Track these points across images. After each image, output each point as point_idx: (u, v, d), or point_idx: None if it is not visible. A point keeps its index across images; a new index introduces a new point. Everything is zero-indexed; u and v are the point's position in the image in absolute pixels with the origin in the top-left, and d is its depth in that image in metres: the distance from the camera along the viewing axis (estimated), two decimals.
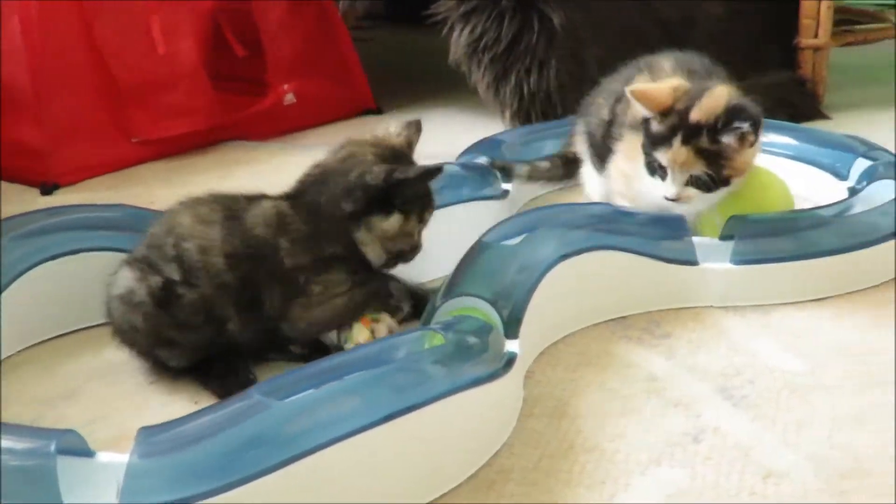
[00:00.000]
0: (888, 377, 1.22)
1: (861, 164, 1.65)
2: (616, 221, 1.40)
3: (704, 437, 1.12)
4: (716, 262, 1.39)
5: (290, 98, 2.25)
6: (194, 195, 1.33)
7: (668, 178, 1.37)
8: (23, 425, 1.02)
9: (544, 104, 2.00)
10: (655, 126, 1.38)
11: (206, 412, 1.01)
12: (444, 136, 2.21)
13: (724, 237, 1.41)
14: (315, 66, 2.32)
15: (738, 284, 1.39)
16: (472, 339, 1.14)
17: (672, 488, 1.04)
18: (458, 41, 2.03)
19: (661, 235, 1.39)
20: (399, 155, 1.33)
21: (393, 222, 1.29)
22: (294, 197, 1.32)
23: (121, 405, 1.23)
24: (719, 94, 1.40)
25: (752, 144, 1.38)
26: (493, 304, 1.21)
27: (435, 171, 1.29)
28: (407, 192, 1.29)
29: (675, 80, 1.43)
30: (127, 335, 1.28)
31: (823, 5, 2.26)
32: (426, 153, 2.00)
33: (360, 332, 1.29)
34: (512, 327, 1.20)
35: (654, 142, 1.38)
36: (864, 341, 1.30)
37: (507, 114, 2.04)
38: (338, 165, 1.31)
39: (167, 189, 1.92)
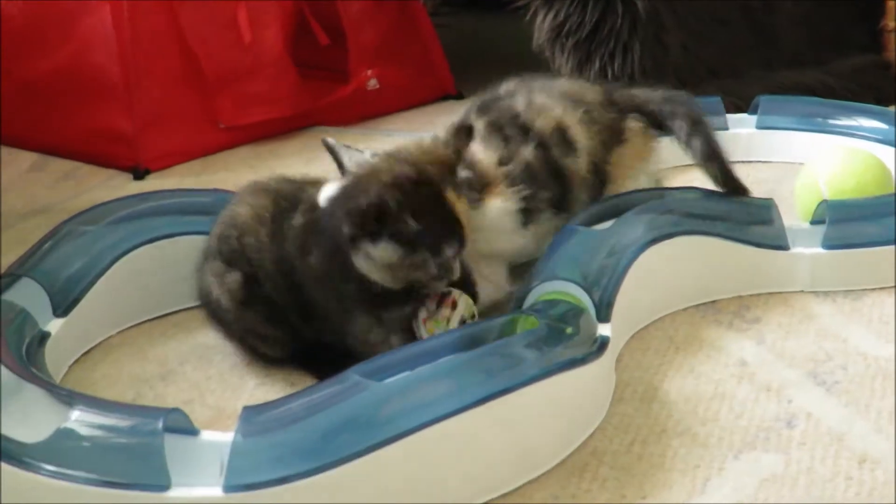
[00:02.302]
0: None
1: None
2: (705, 206, 1.39)
3: (797, 422, 1.12)
4: (806, 247, 1.38)
5: (373, 83, 2.26)
6: (258, 180, 1.31)
7: None
8: (128, 403, 1.05)
9: None
10: None
11: (307, 392, 1.03)
12: None
13: (814, 222, 1.41)
14: (397, 52, 2.33)
15: (828, 269, 1.38)
16: (564, 323, 1.15)
17: (766, 472, 1.04)
18: (542, 26, 2.03)
19: (751, 220, 1.39)
20: (430, 176, 1.17)
21: (383, 252, 1.14)
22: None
23: (216, 386, 1.25)
24: None
25: None
26: (585, 287, 1.22)
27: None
28: (401, 224, 1.13)
29: None
30: (219, 327, 1.31)
31: None
32: None
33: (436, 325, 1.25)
34: (603, 311, 1.20)
35: None
36: None
37: None
38: (354, 182, 1.18)
39: (253, 174, 1.91)
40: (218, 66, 2.05)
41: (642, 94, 1.49)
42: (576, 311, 1.17)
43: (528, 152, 1.35)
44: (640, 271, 1.28)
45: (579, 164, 1.38)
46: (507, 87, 1.45)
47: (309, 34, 2.25)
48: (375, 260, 1.15)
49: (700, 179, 1.48)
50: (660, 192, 1.42)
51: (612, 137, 1.42)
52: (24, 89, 2.08)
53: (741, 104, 1.92)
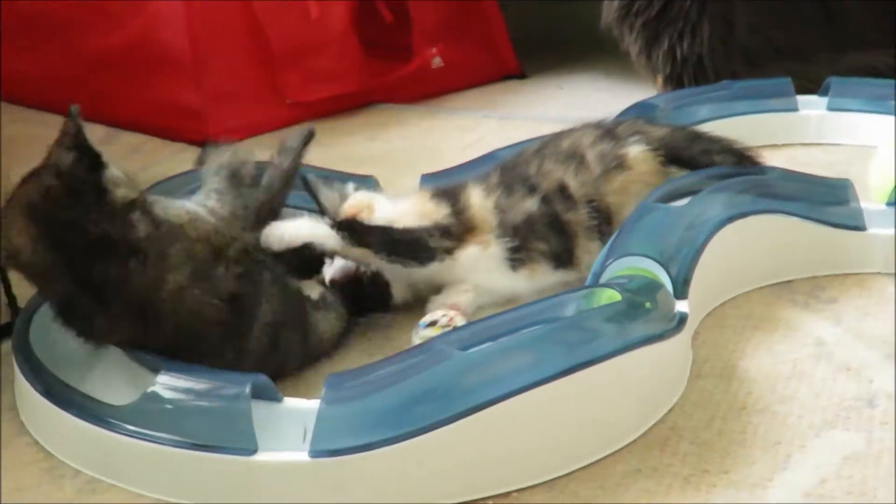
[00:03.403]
0: None
1: None
2: (782, 185, 1.38)
3: (878, 401, 1.11)
4: (883, 228, 1.37)
5: (437, 62, 2.26)
6: None
7: None
8: (213, 369, 1.06)
9: (696, 69, 1.98)
10: None
11: (391, 361, 1.04)
12: (588, 102, 2.21)
13: (890, 203, 1.39)
14: (460, 30, 2.33)
15: None
16: (641, 298, 1.14)
17: (848, 450, 1.03)
18: (610, 5, 2.02)
19: (828, 200, 1.38)
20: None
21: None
22: None
23: None
24: None
25: None
26: (662, 263, 1.21)
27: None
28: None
29: None
30: None
31: None
32: (572, 118, 2.00)
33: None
34: (680, 287, 1.20)
35: None
36: None
37: (660, 79, 2.03)
38: None
39: (320, 149, 1.93)
40: (285, 41, 2.05)
41: (655, 129, 1.48)
42: (653, 286, 1.17)
43: (531, 203, 1.37)
44: (716, 249, 1.27)
45: (580, 214, 1.37)
46: (526, 152, 1.46)
47: (372, 11, 2.24)
48: None
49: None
50: (736, 170, 1.41)
51: (607, 167, 1.40)
52: (94, 63, 2.09)
53: (809, 86, 1.90)
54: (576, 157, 1.41)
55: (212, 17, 1.99)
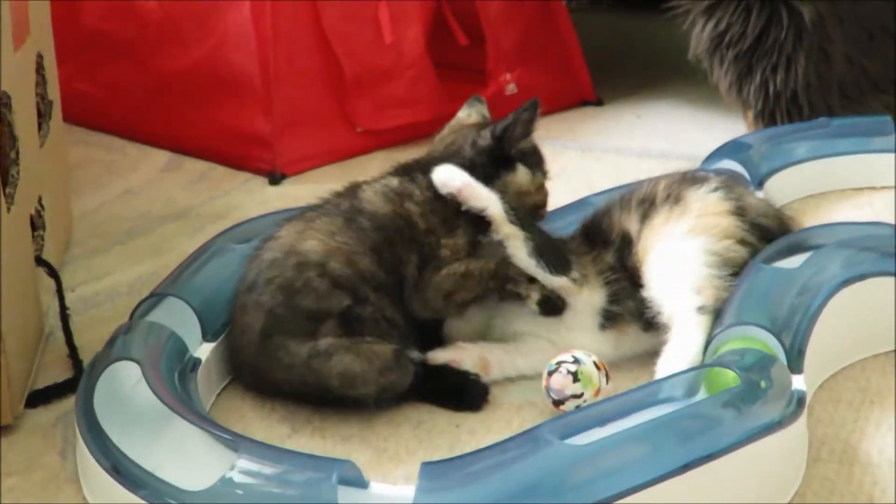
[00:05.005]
0: None
1: None
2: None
3: None
4: None
5: (511, 88, 2.17)
6: (292, 217, 1.27)
7: None
8: (295, 451, 0.98)
9: (790, 105, 1.88)
10: None
11: (491, 450, 0.95)
12: (670, 133, 2.12)
13: None
14: (536, 55, 2.24)
15: None
16: (757, 376, 1.05)
17: None
18: (701, 36, 1.92)
19: None
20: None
21: (522, 175, 1.31)
22: (406, 172, 1.32)
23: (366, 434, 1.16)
24: None
25: None
26: (774, 332, 1.12)
27: (530, 107, 1.30)
28: (516, 145, 1.31)
29: None
30: None
31: None
32: (655, 150, 1.90)
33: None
34: (795, 360, 1.11)
35: None
36: None
37: (751, 115, 1.93)
38: (447, 149, 1.34)
39: None
40: (358, 66, 1.97)
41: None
42: (767, 361, 1.08)
43: (609, 256, 1.30)
44: (831, 314, 1.18)
45: (638, 254, 1.28)
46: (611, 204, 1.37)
47: (447, 34, 2.16)
48: (511, 189, 1.30)
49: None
50: (852, 227, 1.32)
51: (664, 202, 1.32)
52: (160, 86, 2.02)
53: None
54: (645, 203, 1.32)
55: (283, 41, 1.90)
